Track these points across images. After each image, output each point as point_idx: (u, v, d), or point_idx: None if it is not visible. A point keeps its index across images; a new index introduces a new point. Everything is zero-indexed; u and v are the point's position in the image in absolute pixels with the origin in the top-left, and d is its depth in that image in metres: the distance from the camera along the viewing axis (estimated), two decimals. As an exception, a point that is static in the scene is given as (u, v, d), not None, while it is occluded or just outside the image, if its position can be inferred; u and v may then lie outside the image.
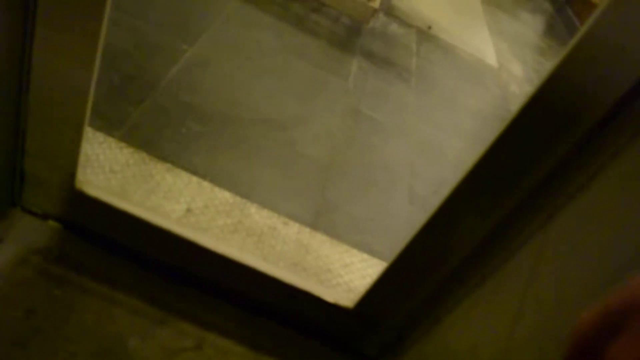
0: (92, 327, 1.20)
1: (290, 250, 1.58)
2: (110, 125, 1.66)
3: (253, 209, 1.64)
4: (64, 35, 0.98)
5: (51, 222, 1.33)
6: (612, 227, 0.75)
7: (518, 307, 0.88)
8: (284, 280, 1.32)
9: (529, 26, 4.72)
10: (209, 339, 1.28)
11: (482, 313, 1.01)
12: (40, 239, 1.30)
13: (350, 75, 2.59)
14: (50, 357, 1.13)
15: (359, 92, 2.50)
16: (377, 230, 1.83)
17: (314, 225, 1.71)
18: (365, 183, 2.01)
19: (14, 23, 0.98)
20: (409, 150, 2.32)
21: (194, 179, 1.64)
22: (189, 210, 1.53)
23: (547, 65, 4.05)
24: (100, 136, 1.60)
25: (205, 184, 1.64)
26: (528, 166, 0.94)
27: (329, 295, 1.34)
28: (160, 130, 1.75)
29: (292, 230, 1.64)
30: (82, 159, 1.21)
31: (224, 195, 1.63)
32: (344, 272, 1.59)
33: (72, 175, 1.23)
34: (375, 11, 3.12)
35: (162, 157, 1.65)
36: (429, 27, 3.50)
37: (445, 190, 1.05)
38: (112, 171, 1.52)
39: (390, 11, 3.42)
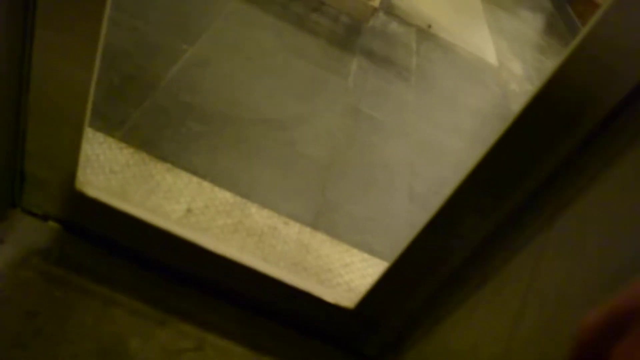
0: (93, 328, 1.20)
1: (290, 250, 1.57)
2: (110, 125, 1.66)
3: (253, 209, 1.64)
4: (64, 36, 0.98)
5: (51, 223, 1.33)
6: (613, 228, 0.75)
7: (519, 307, 0.88)
8: (285, 280, 1.32)
9: (529, 24, 4.72)
10: (210, 340, 1.28)
11: (483, 313, 1.01)
12: (41, 240, 1.30)
13: (350, 75, 2.59)
14: (51, 358, 1.13)
15: (359, 91, 2.50)
16: (378, 230, 1.83)
17: (315, 225, 1.71)
18: (366, 182, 2.01)
19: (14, 23, 0.97)
20: (409, 149, 2.32)
21: (194, 179, 1.63)
22: (189, 210, 1.53)
23: (547, 64, 4.05)
24: (100, 136, 1.60)
25: (206, 184, 1.64)
26: (529, 167, 0.94)
27: (330, 295, 1.34)
28: (161, 130, 1.75)
29: (293, 230, 1.64)
30: (82, 159, 1.21)
31: (224, 195, 1.63)
32: (344, 272, 1.59)
33: (72, 175, 1.23)
34: (375, 10, 3.11)
35: (162, 157, 1.65)
36: (429, 26, 3.49)
37: (445, 190, 1.05)
38: (112, 172, 1.52)
39: (390, 10, 3.41)
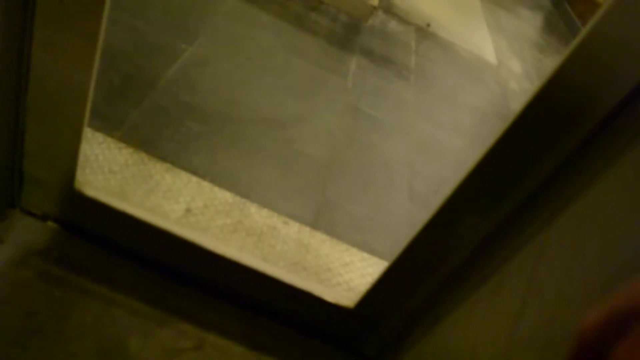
0: (93, 328, 1.20)
1: (290, 250, 1.57)
2: (109, 125, 1.66)
3: (253, 208, 1.64)
4: (63, 36, 0.98)
5: (50, 223, 1.33)
6: (613, 228, 0.75)
7: (519, 307, 0.88)
8: (284, 280, 1.32)
9: (528, 23, 4.72)
10: (210, 339, 1.28)
11: (483, 313, 1.01)
12: (40, 240, 1.30)
13: (350, 74, 2.58)
14: (51, 358, 1.13)
15: (358, 90, 2.50)
16: (377, 229, 1.83)
17: (314, 225, 1.71)
18: (365, 182, 2.01)
19: (13, 23, 0.97)
20: (409, 148, 2.31)
21: (194, 178, 1.63)
22: (188, 210, 1.53)
23: (546, 62, 4.05)
24: (99, 136, 1.60)
25: (205, 184, 1.63)
26: (529, 166, 0.94)
27: (329, 294, 1.34)
28: (160, 130, 1.75)
29: (292, 230, 1.64)
30: (81, 159, 1.21)
31: (224, 195, 1.63)
32: (344, 271, 1.59)
33: (72, 175, 1.23)
34: (374, 9, 3.11)
35: (162, 157, 1.65)
36: (428, 25, 3.49)
37: (445, 189, 1.05)
38: (111, 171, 1.52)
39: (389, 9, 3.41)
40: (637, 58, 0.78)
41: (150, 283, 1.32)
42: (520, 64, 3.77)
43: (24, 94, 1.09)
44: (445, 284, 1.15)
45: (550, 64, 3.99)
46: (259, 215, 1.63)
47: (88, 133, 1.56)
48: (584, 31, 0.79)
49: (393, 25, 3.27)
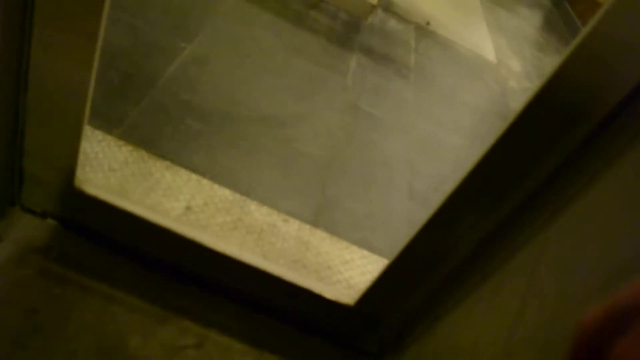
0: (93, 326, 1.20)
1: (290, 248, 1.58)
2: (109, 123, 1.66)
3: (253, 206, 1.64)
4: (63, 35, 0.98)
5: (50, 221, 1.33)
6: (613, 228, 0.75)
7: (519, 306, 0.88)
8: (284, 277, 1.32)
9: (528, 21, 4.71)
10: (210, 337, 1.28)
11: (483, 312, 1.01)
12: (40, 238, 1.30)
13: (349, 72, 2.58)
14: (51, 356, 1.13)
15: (358, 88, 2.50)
16: (377, 227, 1.83)
17: (314, 223, 1.71)
18: (365, 180, 2.01)
19: (12, 22, 0.97)
20: (408, 146, 2.32)
21: (194, 176, 1.63)
22: (188, 208, 1.53)
23: (546, 61, 4.05)
24: (99, 134, 1.60)
25: (205, 182, 1.63)
26: (529, 166, 0.94)
27: (329, 292, 1.34)
28: (160, 128, 1.75)
29: (292, 228, 1.64)
30: (81, 157, 1.21)
31: (224, 193, 1.63)
32: (344, 269, 1.59)
33: (71, 173, 1.23)
34: (373, 7, 3.11)
35: (162, 155, 1.65)
36: (428, 23, 3.49)
37: (444, 187, 1.05)
38: (111, 169, 1.52)
39: (388, 7, 3.41)
40: (638, 58, 0.78)
41: (151, 281, 1.32)
42: (519, 62, 3.77)
43: (23, 92, 1.09)
44: (446, 282, 1.15)
45: (550, 62, 3.99)
46: (259, 213, 1.63)
47: (88, 131, 1.56)
48: (584, 31, 0.79)
49: (393, 23, 3.27)
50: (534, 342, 0.81)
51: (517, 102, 3.19)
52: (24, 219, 1.31)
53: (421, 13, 3.57)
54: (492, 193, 1.00)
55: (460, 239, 1.08)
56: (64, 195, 1.28)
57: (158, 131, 1.73)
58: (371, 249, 1.71)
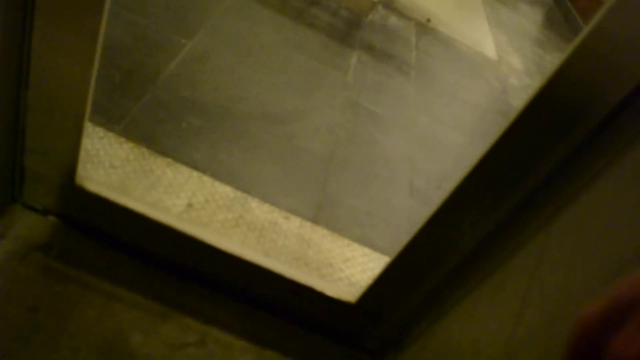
0: (94, 323, 1.20)
1: (291, 245, 1.57)
2: (110, 120, 1.66)
3: (254, 203, 1.64)
4: (64, 31, 0.98)
5: (52, 218, 1.33)
6: (615, 226, 0.75)
7: (521, 304, 0.88)
8: (286, 275, 1.32)
9: (528, 18, 4.71)
10: (212, 334, 1.28)
11: (485, 309, 1.01)
12: (41, 235, 1.30)
13: (350, 69, 2.58)
14: (53, 353, 1.13)
15: (358, 85, 2.49)
16: (378, 224, 1.83)
17: (315, 220, 1.71)
18: (366, 177, 2.01)
19: (13, 19, 0.97)
20: (409, 143, 2.31)
21: (195, 173, 1.63)
22: (189, 205, 1.53)
23: (547, 58, 4.04)
24: (100, 131, 1.59)
25: (206, 179, 1.63)
26: (531, 164, 0.94)
27: (331, 289, 1.34)
28: (160, 125, 1.74)
29: (294, 225, 1.64)
30: (82, 154, 1.20)
31: (225, 190, 1.63)
32: (345, 267, 1.59)
33: (73, 170, 1.23)
34: (374, 4, 3.10)
35: (163, 152, 1.65)
36: (428, 20, 3.48)
37: (445, 184, 1.05)
38: (112, 166, 1.52)
39: (389, 4, 3.40)
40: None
41: (152, 278, 1.32)
42: (520, 59, 3.76)
43: (24, 89, 1.08)
44: (447, 280, 1.15)
45: (551, 59, 3.99)
46: (260, 210, 1.63)
47: (89, 128, 1.56)
48: (587, 28, 0.79)
49: (393, 20, 3.26)
50: (536, 341, 0.81)
51: (518, 99, 3.19)
52: (25, 216, 1.31)
53: (422, 10, 3.57)
54: (494, 191, 1.00)
55: (461, 237, 1.08)
56: (65, 192, 1.28)
57: (159, 128, 1.73)
58: (372, 246, 1.71)
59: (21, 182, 1.27)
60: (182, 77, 1.97)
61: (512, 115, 0.91)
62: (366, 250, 1.69)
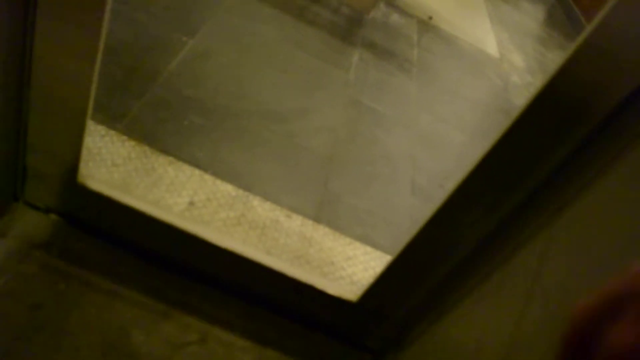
0: (96, 321, 1.20)
1: (293, 243, 1.58)
2: (111, 118, 1.66)
3: (256, 201, 1.64)
4: (66, 29, 0.98)
5: (54, 216, 1.33)
6: (618, 224, 0.75)
7: (523, 303, 0.88)
8: (287, 273, 1.32)
9: (530, 16, 4.70)
10: (213, 333, 1.28)
11: (487, 308, 1.01)
12: (43, 233, 1.30)
13: (352, 67, 2.58)
14: (55, 351, 1.13)
15: (360, 83, 2.49)
16: (380, 223, 1.83)
17: (317, 218, 1.71)
18: (368, 175, 2.01)
19: (15, 16, 0.97)
20: (411, 141, 2.31)
21: (197, 172, 1.63)
22: (191, 203, 1.53)
23: (549, 56, 4.03)
24: (102, 129, 1.60)
25: (208, 177, 1.63)
26: (533, 163, 0.93)
27: (332, 288, 1.34)
28: (162, 123, 1.74)
29: (295, 223, 1.64)
30: (84, 152, 1.20)
31: (227, 188, 1.63)
32: (346, 265, 1.59)
33: (75, 169, 1.23)
34: (376, 1, 3.10)
35: (164, 150, 1.65)
36: (430, 18, 3.48)
37: (447, 183, 1.05)
38: (114, 165, 1.52)
39: (391, 1, 3.39)
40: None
41: (154, 276, 1.33)
42: (522, 57, 3.75)
43: (27, 87, 1.08)
44: (448, 279, 1.15)
45: (553, 57, 3.98)
46: (261, 209, 1.63)
47: (91, 126, 1.56)
48: (589, 26, 0.78)
49: (395, 18, 3.26)
50: (538, 340, 0.81)
51: (520, 97, 3.18)
52: (27, 214, 1.31)
53: (424, 7, 3.56)
54: (495, 191, 1.00)
55: (463, 236, 1.08)
56: (67, 190, 1.28)
57: (161, 126, 1.73)
58: (373, 244, 1.71)
59: (23, 180, 1.27)
60: (184, 75, 1.97)
61: (514, 113, 0.91)
62: (368, 248, 1.69)
